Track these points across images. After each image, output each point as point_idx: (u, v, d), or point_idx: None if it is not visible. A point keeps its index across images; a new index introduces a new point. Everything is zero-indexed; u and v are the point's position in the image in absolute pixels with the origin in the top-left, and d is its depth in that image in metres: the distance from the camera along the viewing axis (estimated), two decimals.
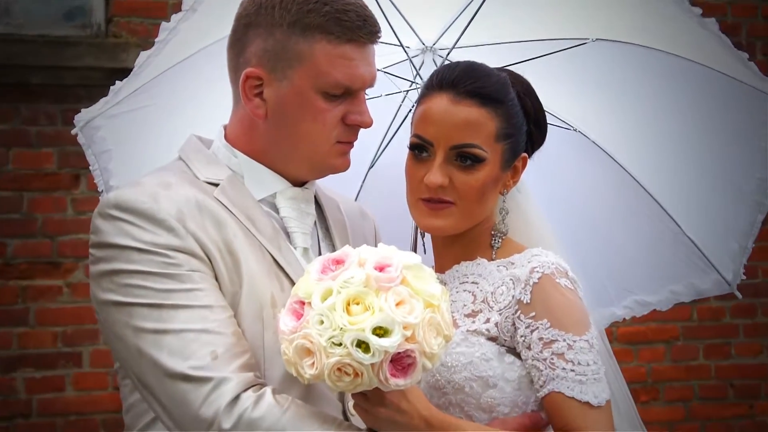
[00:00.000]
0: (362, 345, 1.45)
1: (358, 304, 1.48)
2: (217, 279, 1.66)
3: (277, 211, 1.80)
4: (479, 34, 2.47)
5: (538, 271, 1.79)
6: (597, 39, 2.44)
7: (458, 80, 1.85)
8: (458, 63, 1.94)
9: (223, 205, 1.72)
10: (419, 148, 1.86)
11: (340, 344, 1.45)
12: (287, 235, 1.79)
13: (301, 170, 1.80)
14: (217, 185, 1.75)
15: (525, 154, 1.93)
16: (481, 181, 1.83)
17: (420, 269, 1.55)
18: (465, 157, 1.83)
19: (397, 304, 1.48)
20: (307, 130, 1.74)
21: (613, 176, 2.58)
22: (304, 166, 1.78)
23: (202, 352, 1.58)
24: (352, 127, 1.75)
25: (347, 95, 1.75)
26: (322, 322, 1.47)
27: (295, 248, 1.79)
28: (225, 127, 1.85)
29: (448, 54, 2.49)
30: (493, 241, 1.92)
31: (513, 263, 1.85)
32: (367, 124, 1.79)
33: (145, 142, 2.42)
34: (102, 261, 1.63)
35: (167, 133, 2.28)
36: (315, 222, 1.87)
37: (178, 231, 1.63)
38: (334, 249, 1.87)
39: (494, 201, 1.91)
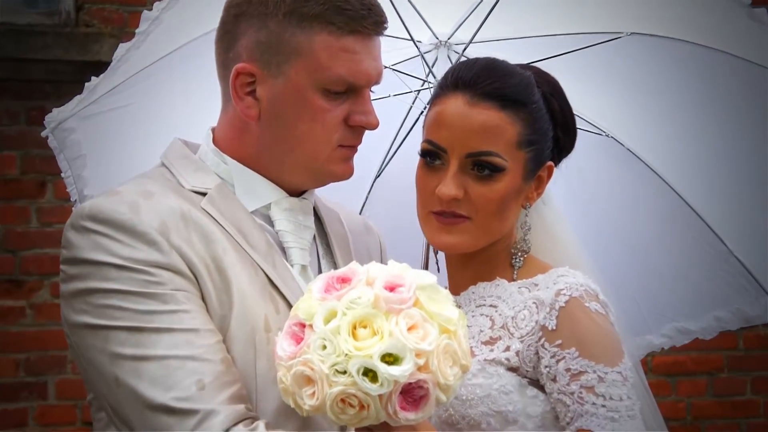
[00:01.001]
0: (369, 373, 1.46)
1: (365, 327, 1.49)
2: (204, 300, 1.67)
3: (271, 224, 1.81)
4: (500, 28, 2.48)
5: (565, 294, 1.80)
6: (632, 33, 2.44)
7: (476, 79, 1.86)
8: (477, 60, 1.96)
9: (212, 216, 1.73)
10: (431, 155, 1.87)
11: (345, 372, 1.46)
12: (283, 250, 1.80)
13: (298, 178, 1.79)
14: (204, 195, 1.76)
15: (551, 163, 1.95)
16: (500, 193, 1.85)
17: (435, 290, 1.56)
18: (482, 166, 1.84)
19: (409, 329, 1.49)
20: (305, 133, 1.75)
21: (649, 187, 2.61)
22: (301, 173, 1.78)
23: (187, 381, 1.59)
24: (355, 129, 1.76)
25: (350, 93, 1.76)
26: (324, 347, 1.48)
27: (292, 265, 1.80)
28: (213, 130, 1.87)
29: (465, 49, 2.52)
30: (514, 260, 1.93)
31: (537, 284, 1.87)
32: (373, 126, 1.79)
33: (123, 146, 2.43)
34: (75, 279, 1.64)
35: (149, 137, 2.29)
36: (314, 236, 1.88)
37: (161, 245, 1.65)
38: (335, 266, 1.82)
39: (515, 215, 1.93)
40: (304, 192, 1.86)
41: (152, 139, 2.18)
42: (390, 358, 1.47)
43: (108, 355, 1.62)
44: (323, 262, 1.90)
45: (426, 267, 2.32)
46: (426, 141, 1.89)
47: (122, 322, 1.61)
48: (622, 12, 2.50)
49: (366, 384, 1.46)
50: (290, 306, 1.62)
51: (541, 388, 1.80)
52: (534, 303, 1.83)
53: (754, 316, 2.69)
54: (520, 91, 1.88)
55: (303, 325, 1.54)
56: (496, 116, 1.84)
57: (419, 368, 1.48)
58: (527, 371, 1.81)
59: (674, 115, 2.60)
